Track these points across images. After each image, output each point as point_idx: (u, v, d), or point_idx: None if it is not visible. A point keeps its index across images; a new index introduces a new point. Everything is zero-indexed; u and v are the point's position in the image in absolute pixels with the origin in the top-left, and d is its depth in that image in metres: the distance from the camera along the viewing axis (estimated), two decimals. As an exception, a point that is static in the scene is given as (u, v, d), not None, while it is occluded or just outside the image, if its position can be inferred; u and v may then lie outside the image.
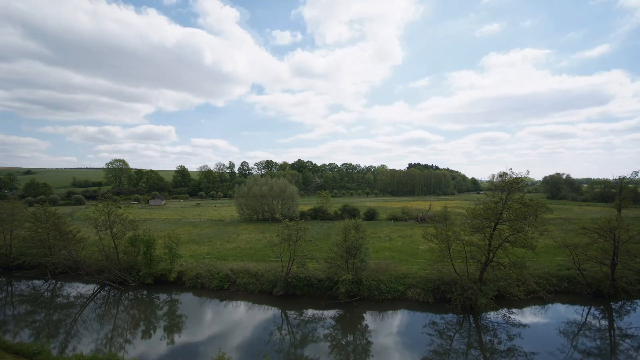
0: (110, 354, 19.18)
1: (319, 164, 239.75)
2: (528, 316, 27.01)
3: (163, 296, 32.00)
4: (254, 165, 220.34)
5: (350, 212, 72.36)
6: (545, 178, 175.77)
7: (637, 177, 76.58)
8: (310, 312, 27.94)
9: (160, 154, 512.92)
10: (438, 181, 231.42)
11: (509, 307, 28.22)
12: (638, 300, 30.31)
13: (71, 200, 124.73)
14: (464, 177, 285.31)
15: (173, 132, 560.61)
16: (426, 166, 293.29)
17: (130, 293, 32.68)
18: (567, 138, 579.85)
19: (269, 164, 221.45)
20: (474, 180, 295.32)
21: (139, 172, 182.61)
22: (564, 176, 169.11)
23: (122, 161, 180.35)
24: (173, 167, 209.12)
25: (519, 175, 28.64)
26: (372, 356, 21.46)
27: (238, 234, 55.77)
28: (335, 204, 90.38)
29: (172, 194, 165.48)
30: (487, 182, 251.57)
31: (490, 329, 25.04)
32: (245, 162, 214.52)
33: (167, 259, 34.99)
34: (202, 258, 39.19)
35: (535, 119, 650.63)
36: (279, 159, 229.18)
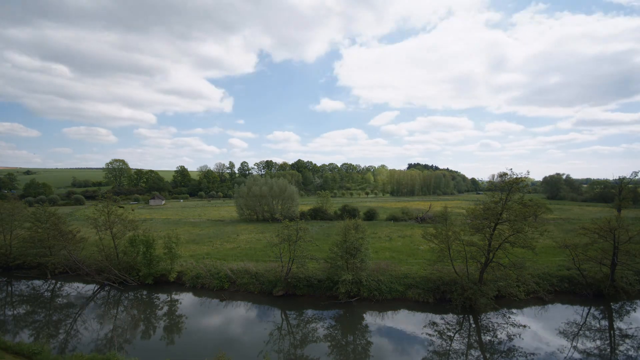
0: (110, 354, 19.15)
1: (319, 164, 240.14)
2: (528, 316, 27.02)
3: (163, 296, 31.98)
4: (254, 165, 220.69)
5: (350, 212, 72.34)
6: (545, 178, 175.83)
7: (637, 177, 76.57)
8: (310, 312, 27.94)
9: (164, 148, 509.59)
10: (438, 181, 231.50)
11: (509, 307, 28.23)
12: (638, 301, 30.36)
13: (71, 201, 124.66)
14: (463, 177, 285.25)
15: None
16: (426, 166, 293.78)
17: (130, 293, 32.67)
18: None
19: (268, 164, 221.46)
20: (473, 181, 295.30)
21: (139, 172, 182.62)
22: (564, 176, 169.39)
23: (122, 161, 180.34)
24: (174, 167, 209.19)
25: (519, 176, 28.64)
26: (372, 356, 21.46)
27: (238, 234, 55.76)
28: (335, 204, 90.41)
29: (172, 194, 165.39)
30: (487, 182, 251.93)
31: (490, 329, 25.05)
32: (245, 162, 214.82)
33: (167, 259, 34.98)
34: (202, 258, 39.16)
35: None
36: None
